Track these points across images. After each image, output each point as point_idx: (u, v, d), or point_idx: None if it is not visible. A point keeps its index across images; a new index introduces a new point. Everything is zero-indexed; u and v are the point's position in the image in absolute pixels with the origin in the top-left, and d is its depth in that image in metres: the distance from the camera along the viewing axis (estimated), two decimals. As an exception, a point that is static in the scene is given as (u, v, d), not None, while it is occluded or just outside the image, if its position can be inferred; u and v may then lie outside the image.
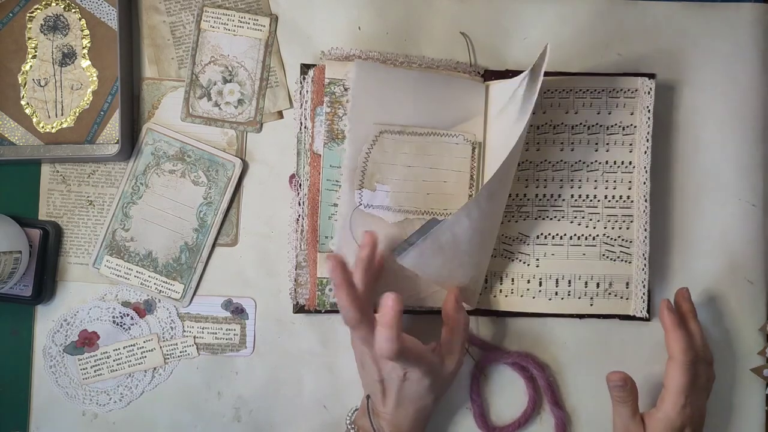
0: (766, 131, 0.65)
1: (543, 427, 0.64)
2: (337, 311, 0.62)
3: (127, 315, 0.64)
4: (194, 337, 0.64)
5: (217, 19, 0.64)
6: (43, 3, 0.64)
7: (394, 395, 0.56)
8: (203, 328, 0.64)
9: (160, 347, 0.64)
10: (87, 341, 0.64)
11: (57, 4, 0.64)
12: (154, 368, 0.64)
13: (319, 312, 0.62)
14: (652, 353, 0.62)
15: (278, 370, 0.64)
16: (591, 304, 0.62)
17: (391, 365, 0.54)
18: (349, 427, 0.59)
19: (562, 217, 0.62)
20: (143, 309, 0.64)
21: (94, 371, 0.64)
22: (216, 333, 0.64)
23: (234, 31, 0.64)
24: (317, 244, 0.61)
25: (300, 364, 0.64)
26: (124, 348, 0.64)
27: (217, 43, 0.64)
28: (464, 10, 0.65)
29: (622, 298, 0.62)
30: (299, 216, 0.62)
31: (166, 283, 0.64)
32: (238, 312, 0.64)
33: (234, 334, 0.64)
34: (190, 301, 0.64)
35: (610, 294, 0.62)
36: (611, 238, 0.62)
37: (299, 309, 0.63)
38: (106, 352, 0.64)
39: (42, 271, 0.63)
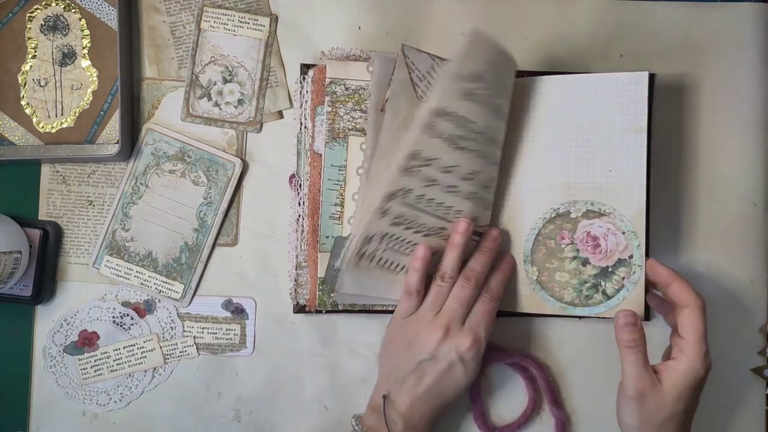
0: (766, 130, 0.65)
1: (543, 427, 0.64)
2: (337, 311, 0.62)
3: (127, 315, 0.64)
4: (194, 337, 0.64)
5: (217, 19, 0.64)
6: (43, 3, 0.64)
7: (431, 381, 0.56)
8: (203, 328, 0.64)
9: (160, 347, 0.64)
10: (87, 341, 0.64)
11: (57, 4, 0.64)
12: (154, 368, 0.64)
13: (320, 312, 0.62)
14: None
15: (278, 370, 0.64)
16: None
17: (451, 345, 0.55)
18: (356, 428, 0.59)
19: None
20: (143, 309, 0.64)
21: (94, 371, 0.64)
22: (216, 333, 0.64)
23: (234, 31, 0.64)
24: (317, 244, 0.61)
25: (300, 364, 0.64)
26: (124, 348, 0.64)
27: (217, 43, 0.64)
28: (464, 10, 0.65)
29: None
30: (299, 216, 0.62)
31: (166, 283, 0.64)
32: (238, 312, 0.64)
33: (234, 334, 0.64)
34: (190, 301, 0.64)
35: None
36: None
37: (299, 309, 0.63)
38: (106, 352, 0.64)
39: (42, 271, 0.63)
